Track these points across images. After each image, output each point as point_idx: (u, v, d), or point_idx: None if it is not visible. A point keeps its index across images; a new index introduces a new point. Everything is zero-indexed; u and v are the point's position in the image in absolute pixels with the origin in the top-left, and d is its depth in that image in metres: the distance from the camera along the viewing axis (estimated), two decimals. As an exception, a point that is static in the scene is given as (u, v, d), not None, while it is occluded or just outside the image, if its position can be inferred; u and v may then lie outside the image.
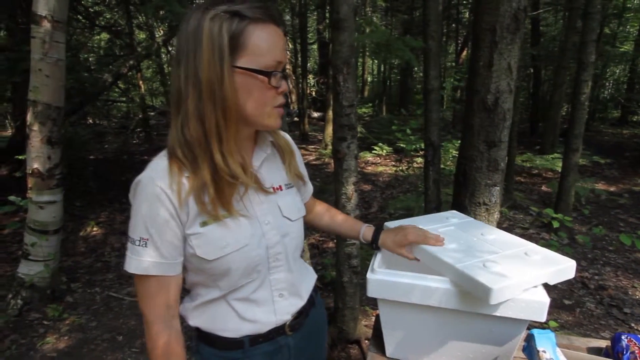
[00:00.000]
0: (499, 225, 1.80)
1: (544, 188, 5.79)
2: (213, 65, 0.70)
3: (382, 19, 12.60)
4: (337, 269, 2.29)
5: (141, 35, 8.98)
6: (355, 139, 2.04)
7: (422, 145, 3.19)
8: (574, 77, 4.00)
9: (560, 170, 4.22)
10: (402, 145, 4.79)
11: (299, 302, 0.92)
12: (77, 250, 3.71)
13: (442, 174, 3.47)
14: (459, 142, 1.99)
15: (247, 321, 0.84)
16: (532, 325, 1.13)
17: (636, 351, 0.99)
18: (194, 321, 0.86)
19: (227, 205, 0.77)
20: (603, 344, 1.12)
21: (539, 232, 4.15)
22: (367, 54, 11.95)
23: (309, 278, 0.99)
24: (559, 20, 11.09)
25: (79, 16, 5.82)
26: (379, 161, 7.56)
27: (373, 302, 2.77)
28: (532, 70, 9.95)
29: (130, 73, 7.00)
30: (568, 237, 3.90)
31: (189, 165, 0.75)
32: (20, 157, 4.23)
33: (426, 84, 2.58)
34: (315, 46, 13.33)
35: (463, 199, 1.86)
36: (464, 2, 10.16)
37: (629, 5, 10.03)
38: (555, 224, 2.36)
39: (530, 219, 4.51)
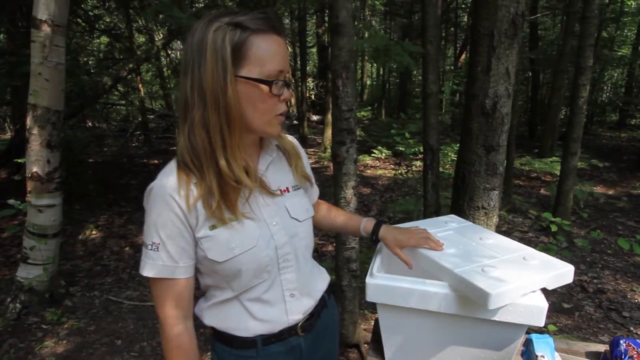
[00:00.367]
0: (498, 229, 1.80)
1: (542, 191, 5.80)
2: (217, 75, 0.73)
3: (380, 22, 12.65)
4: (336, 273, 2.29)
5: (141, 39, 9.01)
6: (354, 143, 2.05)
7: (421, 149, 3.20)
8: (572, 81, 4.02)
9: (558, 174, 4.23)
10: (401, 148, 4.80)
11: (311, 302, 0.94)
12: (76, 253, 3.70)
13: (441, 178, 3.48)
14: (458, 145, 2.00)
15: (259, 321, 0.87)
16: (531, 329, 1.13)
17: (635, 356, 0.99)
18: (208, 320, 0.89)
19: (233, 208, 0.79)
20: (602, 348, 1.12)
21: (538, 235, 4.16)
22: (366, 58, 11.99)
23: (321, 279, 1.01)
24: (557, 24, 11.15)
25: (78, 19, 5.84)
26: (378, 164, 7.57)
27: (372, 306, 2.77)
28: (530, 74, 9.99)
29: (129, 76, 7.01)
30: (567, 240, 3.91)
31: (196, 172, 0.78)
32: (19, 161, 4.23)
33: (425, 88, 2.60)
34: (314, 49, 13.37)
35: (462, 203, 1.86)
36: (463, 6, 10.22)
37: (626, 10, 10.10)
38: (554, 228, 2.37)
39: (529, 222, 4.52)
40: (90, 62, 7.03)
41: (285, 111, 0.82)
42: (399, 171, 6.32)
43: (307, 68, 11.08)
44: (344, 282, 2.26)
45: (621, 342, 1.03)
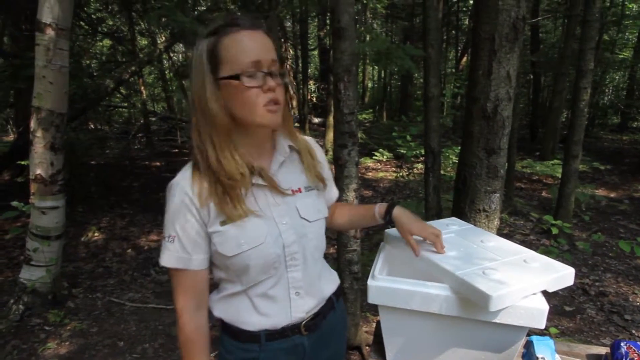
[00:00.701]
0: (499, 232, 1.81)
1: (544, 194, 5.80)
2: (199, 82, 0.82)
3: (382, 25, 12.68)
4: (338, 275, 2.29)
5: (143, 42, 9.04)
6: (355, 146, 2.06)
7: (423, 152, 3.21)
8: (574, 84, 4.02)
9: (560, 177, 4.24)
10: (402, 151, 4.81)
11: (315, 302, 0.95)
12: (78, 255, 3.72)
13: (443, 181, 3.48)
14: (459, 148, 2.01)
15: (263, 316, 0.90)
16: (532, 331, 1.14)
17: (635, 358, 1.00)
18: (217, 312, 0.93)
19: (235, 204, 0.83)
20: (603, 350, 1.12)
21: (539, 238, 4.15)
22: (368, 61, 12.01)
23: (329, 281, 1.02)
24: (558, 27, 11.16)
25: (81, 23, 5.87)
26: (380, 167, 7.58)
27: (374, 309, 2.77)
28: (532, 77, 10.00)
29: (131, 79, 7.04)
30: (568, 243, 3.90)
31: (204, 170, 0.84)
32: (22, 163, 4.25)
33: (426, 92, 2.61)
34: (315, 52, 13.40)
35: (463, 206, 1.87)
36: (464, 9, 10.24)
37: (627, 13, 10.11)
38: (555, 231, 2.37)
39: (530, 225, 4.52)
40: (92, 65, 7.06)
41: (273, 100, 0.82)
42: (401, 174, 6.33)
43: (309, 70, 11.11)
44: (346, 285, 2.27)
45: (622, 344, 1.03)
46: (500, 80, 1.69)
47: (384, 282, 0.93)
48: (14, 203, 2.71)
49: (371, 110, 14.04)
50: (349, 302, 2.30)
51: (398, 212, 1.01)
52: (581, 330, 2.70)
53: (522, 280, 0.85)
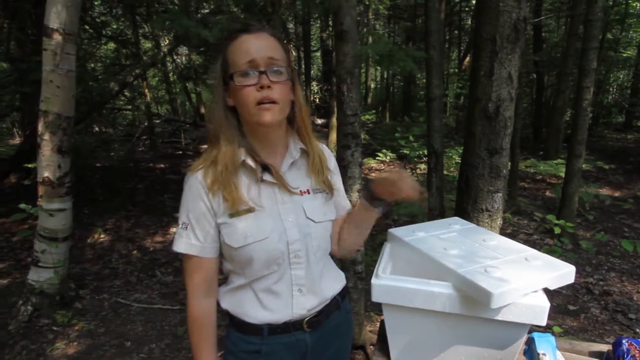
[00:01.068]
0: (503, 232, 1.82)
1: (548, 194, 5.78)
2: (216, 83, 0.90)
3: (384, 26, 12.69)
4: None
5: (147, 45, 9.11)
6: (359, 147, 2.08)
7: (426, 152, 3.22)
8: (576, 83, 4.02)
9: (564, 176, 4.23)
10: (405, 152, 4.82)
11: (318, 301, 0.97)
12: (84, 257, 3.75)
13: (446, 181, 3.49)
14: (462, 148, 2.03)
15: (266, 310, 0.93)
16: (534, 329, 1.15)
17: (637, 355, 1.01)
18: (224, 304, 0.97)
19: (239, 195, 0.87)
20: (605, 348, 1.14)
21: (543, 238, 4.15)
22: (371, 62, 12.03)
23: (335, 281, 1.04)
24: (561, 26, 11.14)
25: (86, 26, 5.93)
26: (383, 167, 7.59)
27: (378, 308, 2.78)
28: (535, 76, 9.97)
29: (136, 81, 7.10)
30: (571, 242, 3.90)
31: (212, 161, 0.90)
32: (29, 166, 4.29)
33: (428, 93, 2.62)
34: (318, 54, 13.43)
35: (466, 206, 1.89)
36: (467, 9, 10.24)
37: (631, 11, 10.07)
38: (557, 230, 2.38)
39: (534, 224, 4.52)
40: (97, 68, 7.12)
41: (266, 98, 0.84)
42: (404, 174, 6.32)
43: (312, 72, 11.14)
44: (350, 284, 2.29)
45: (624, 341, 1.04)
46: (502, 80, 1.71)
47: (387, 281, 0.94)
48: (22, 205, 2.74)
49: (374, 111, 14.03)
50: (353, 301, 2.32)
51: (372, 182, 0.95)
52: (585, 329, 2.70)
53: (524, 277, 0.87)
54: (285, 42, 0.93)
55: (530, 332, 0.96)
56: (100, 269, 3.55)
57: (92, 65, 6.72)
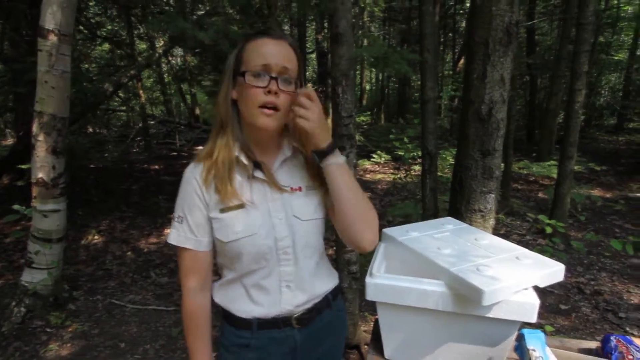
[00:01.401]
0: (496, 232, 1.85)
1: (540, 195, 5.84)
2: (224, 77, 0.92)
3: (379, 28, 12.76)
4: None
5: (142, 46, 9.08)
6: (354, 149, 2.10)
7: (420, 154, 3.25)
8: (569, 86, 4.07)
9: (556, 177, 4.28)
10: (400, 153, 4.85)
11: (306, 298, 0.98)
12: (78, 258, 3.74)
13: (440, 182, 3.52)
14: (456, 150, 2.06)
15: (255, 304, 0.95)
16: (524, 326, 1.18)
17: (624, 351, 1.03)
18: (217, 298, 0.99)
19: (230, 189, 0.89)
20: (594, 345, 1.16)
21: (536, 238, 4.20)
22: (366, 64, 12.08)
23: (327, 280, 1.04)
24: (554, 29, 11.25)
25: (80, 27, 5.91)
26: (378, 169, 7.62)
27: (372, 308, 2.80)
28: (528, 79, 10.07)
29: (130, 82, 7.08)
30: (563, 243, 3.95)
31: (208, 155, 0.92)
32: (22, 167, 4.27)
33: (423, 95, 2.65)
34: (313, 55, 13.46)
35: (459, 206, 1.91)
36: (461, 11, 10.32)
37: (622, 15, 10.20)
38: (548, 230, 2.41)
39: (527, 225, 4.56)
40: (91, 69, 7.10)
41: (270, 103, 0.85)
42: (398, 175, 6.36)
43: (307, 73, 11.16)
44: (344, 284, 2.30)
45: (611, 338, 1.07)
46: (495, 83, 1.73)
47: (381, 280, 0.96)
48: (16, 206, 2.73)
49: (369, 113, 14.10)
50: (348, 301, 2.34)
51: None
52: (576, 328, 2.73)
53: (514, 276, 0.89)
54: (300, 53, 0.94)
55: (520, 328, 0.98)
56: (94, 270, 3.54)
57: (87, 66, 6.69)
